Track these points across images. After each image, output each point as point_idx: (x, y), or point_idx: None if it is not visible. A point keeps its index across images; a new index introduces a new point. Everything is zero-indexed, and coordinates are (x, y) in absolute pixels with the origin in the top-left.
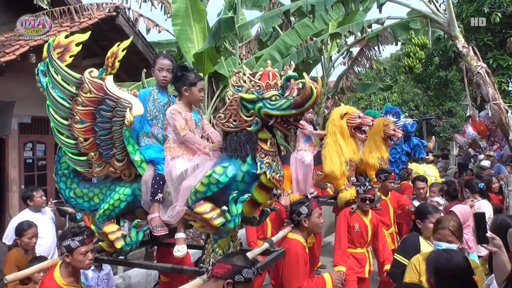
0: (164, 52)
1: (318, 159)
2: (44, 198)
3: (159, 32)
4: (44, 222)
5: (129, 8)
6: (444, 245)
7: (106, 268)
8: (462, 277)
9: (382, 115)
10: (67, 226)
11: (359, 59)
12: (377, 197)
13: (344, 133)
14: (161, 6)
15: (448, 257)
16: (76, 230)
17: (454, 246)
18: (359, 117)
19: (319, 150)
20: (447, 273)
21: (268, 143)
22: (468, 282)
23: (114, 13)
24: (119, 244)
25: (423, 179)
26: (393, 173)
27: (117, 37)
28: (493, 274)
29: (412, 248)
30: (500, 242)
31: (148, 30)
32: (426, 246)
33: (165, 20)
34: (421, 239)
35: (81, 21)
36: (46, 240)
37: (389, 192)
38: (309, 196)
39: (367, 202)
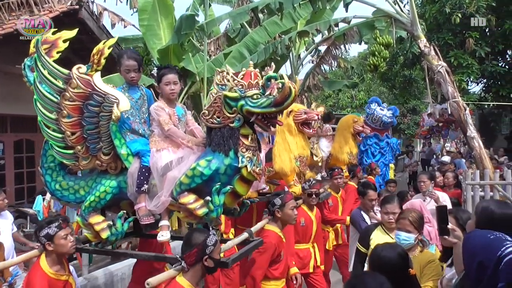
0: (131, 48)
1: (270, 156)
2: (6, 201)
3: (125, 27)
4: (5, 225)
5: (92, 2)
6: (403, 235)
7: None
8: (392, 272)
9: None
10: (27, 227)
11: (326, 58)
12: (326, 193)
13: (291, 130)
14: (127, 0)
15: (379, 251)
16: (50, 218)
17: (412, 236)
18: (305, 112)
19: (271, 147)
20: (376, 265)
21: (249, 139)
22: (399, 276)
23: (77, 7)
24: (104, 234)
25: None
26: (337, 169)
27: (81, 31)
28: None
29: (366, 236)
30: (460, 234)
31: (113, 25)
32: (378, 235)
33: (131, 15)
34: (378, 228)
35: (41, 14)
36: (5, 244)
37: (340, 189)
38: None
39: (313, 196)
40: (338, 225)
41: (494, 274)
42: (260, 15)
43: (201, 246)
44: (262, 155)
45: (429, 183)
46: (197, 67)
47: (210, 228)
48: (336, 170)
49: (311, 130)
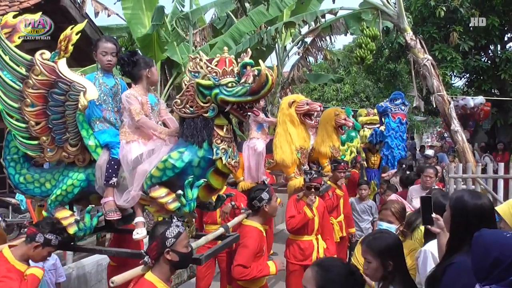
0: (114, 36)
1: (270, 147)
2: None
3: (109, 16)
4: None
5: None
6: (385, 225)
7: (52, 258)
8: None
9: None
10: (10, 217)
11: (312, 50)
12: (326, 186)
13: (294, 121)
14: None
15: (394, 237)
16: (63, 229)
17: (393, 227)
18: (307, 104)
19: (271, 138)
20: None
21: (224, 129)
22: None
23: None
24: (72, 230)
25: (367, 182)
26: (343, 163)
27: (62, 20)
28: (423, 248)
29: None
30: (443, 224)
31: (96, 14)
32: None
33: (114, 3)
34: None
35: (21, 0)
36: None
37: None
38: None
39: (313, 190)
40: (341, 218)
41: (508, 269)
42: (246, 5)
43: (160, 239)
44: (263, 146)
45: (434, 179)
46: (183, 58)
47: (173, 219)
48: (342, 163)
49: (312, 122)
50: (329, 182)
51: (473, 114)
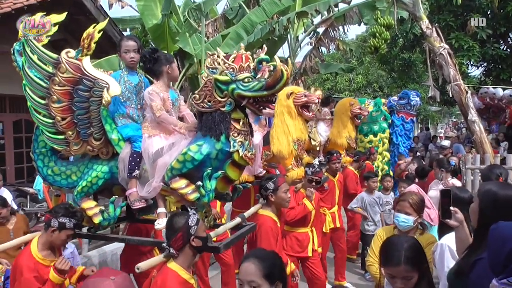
0: (128, 30)
1: (267, 139)
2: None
3: (122, 7)
4: None
5: None
6: (402, 217)
7: (70, 247)
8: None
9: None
10: (27, 206)
11: (324, 40)
12: (324, 177)
13: (291, 112)
14: None
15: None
16: (76, 212)
17: (411, 219)
18: (305, 95)
19: (268, 130)
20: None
21: (241, 123)
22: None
23: None
24: (97, 219)
25: (375, 174)
26: (336, 154)
27: (78, 12)
28: (439, 242)
29: None
30: (462, 217)
31: (110, 5)
32: None
33: None
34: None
35: None
36: None
37: (338, 173)
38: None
39: (313, 183)
40: (335, 209)
41: None
42: None
43: (185, 228)
44: (260, 138)
45: (437, 170)
46: (195, 49)
47: (189, 209)
48: (335, 154)
49: (310, 114)
50: (326, 174)
51: (500, 107)
